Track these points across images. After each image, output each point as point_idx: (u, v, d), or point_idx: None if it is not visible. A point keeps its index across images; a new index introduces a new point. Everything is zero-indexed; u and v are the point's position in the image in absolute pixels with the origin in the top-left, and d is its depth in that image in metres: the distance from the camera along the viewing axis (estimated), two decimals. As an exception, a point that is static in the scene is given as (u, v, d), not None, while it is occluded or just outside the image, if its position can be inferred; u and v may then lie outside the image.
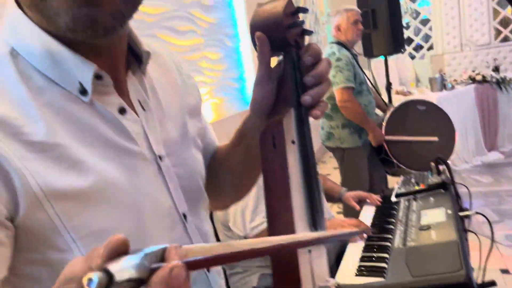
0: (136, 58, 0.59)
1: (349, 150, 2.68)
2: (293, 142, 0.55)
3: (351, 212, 2.44)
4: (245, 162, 0.70)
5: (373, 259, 1.28)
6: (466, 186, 1.77)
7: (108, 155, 0.51)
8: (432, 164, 1.83)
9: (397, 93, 5.01)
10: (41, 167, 0.45)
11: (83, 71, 0.49)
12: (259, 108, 0.61)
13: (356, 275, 1.22)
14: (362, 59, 3.80)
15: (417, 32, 7.40)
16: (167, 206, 0.57)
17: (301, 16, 0.59)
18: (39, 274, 0.47)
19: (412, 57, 7.27)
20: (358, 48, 3.13)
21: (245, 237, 1.64)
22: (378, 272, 1.19)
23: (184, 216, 0.59)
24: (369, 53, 3.76)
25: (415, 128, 2.72)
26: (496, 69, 5.53)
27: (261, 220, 1.61)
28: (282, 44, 0.57)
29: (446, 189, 1.69)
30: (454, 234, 1.28)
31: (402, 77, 6.59)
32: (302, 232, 0.51)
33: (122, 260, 0.26)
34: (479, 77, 5.14)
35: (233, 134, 0.70)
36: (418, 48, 7.42)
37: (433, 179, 1.78)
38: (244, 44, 3.17)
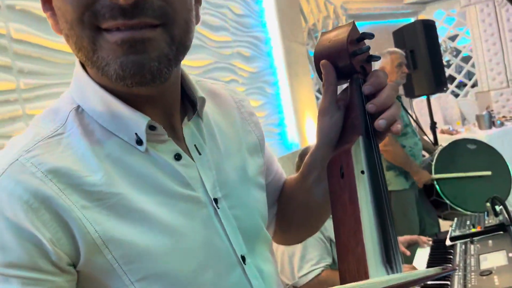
0: (192, 104, 0.60)
1: (396, 193, 2.59)
2: (362, 172, 0.52)
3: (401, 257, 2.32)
4: (316, 195, 0.68)
5: (431, 308, 1.19)
6: (528, 227, 1.64)
7: (164, 201, 0.52)
8: (488, 204, 1.72)
9: (443, 132, 4.87)
10: (100, 215, 0.48)
11: (138, 123, 0.52)
12: (326, 138, 0.60)
13: (413, 325, 1.14)
14: (403, 99, 3.77)
15: (459, 69, 7.28)
16: (224, 249, 0.56)
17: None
18: None
19: (456, 95, 7.10)
20: (399, 88, 3.11)
21: (294, 287, 1.60)
22: (438, 322, 1.11)
23: (243, 258, 0.57)
24: (411, 93, 3.71)
25: (466, 168, 2.61)
26: (549, 103, 5.28)
27: (309, 269, 1.56)
28: (348, 71, 0.57)
29: (505, 231, 1.58)
30: (520, 280, 1.18)
31: (447, 115, 6.42)
32: (375, 269, 0.47)
33: None
34: (530, 112, 4.91)
35: (302, 166, 0.69)
36: (461, 85, 7.26)
37: (490, 220, 1.67)
38: (283, 91, 3.24)
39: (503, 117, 5.35)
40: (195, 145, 0.58)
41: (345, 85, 0.61)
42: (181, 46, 0.51)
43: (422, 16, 7.11)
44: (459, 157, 2.64)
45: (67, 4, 0.46)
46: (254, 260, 0.59)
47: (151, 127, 0.52)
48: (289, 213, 0.74)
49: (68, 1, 0.46)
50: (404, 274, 0.42)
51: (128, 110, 0.52)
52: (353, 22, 0.58)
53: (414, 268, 1.47)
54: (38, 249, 0.45)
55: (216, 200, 0.57)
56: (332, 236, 1.66)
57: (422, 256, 1.69)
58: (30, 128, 0.52)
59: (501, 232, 1.58)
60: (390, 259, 0.47)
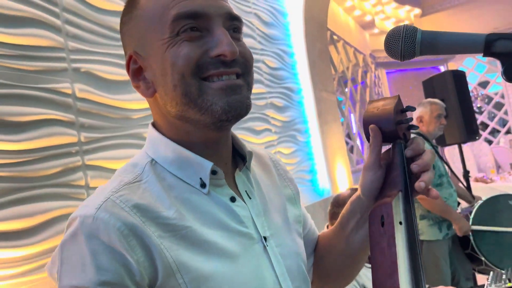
0: (241, 158, 0.72)
1: (429, 242, 2.57)
2: (400, 223, 0.60)
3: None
4: (354, 242, 0.75)
5: None
6: None
7: (224, 234, 0.62)
8: (524, 259, 1.71)
9: (477, 180, 4.79)
10: (173, 244, 0.57)
11: (202, 168, 0.63)
12: (368, 190, 0.68)
13: None
14: (435, 148, 3.78)
15: (492, 116, 7.20)
16: (272, 281, 0.64)
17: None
18: None
19: (489, 142, 6.99)
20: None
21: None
22: None
23: None
24: (442, 142, 3.72)
25: (506, 225, 2.54)
26: None
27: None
28: (392, 136, 0.67)
29: (543, 287, 1.56)
30: None
31: (481, 163, 6.31)
32: None
33: None
34: None
35: (340, 217, 0.77)
36: (495, 132, 7.16)
37: (527, 275, 1.65)
38: (314, 138, 3.32)
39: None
40: (246, 191, 0.69)
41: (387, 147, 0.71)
42: (251, 90, 0.66)
43: (452, 63, 7.17)
44: (499, 212, 2.58)
45: (179, 62, 0.59)
46: None
47: (213, 172, 0.63)
48: (327, 263, 0.81)
49: (180, 59, 0.59)
50: None
51: (194, 156, 0.63)
52: (398, 96, 0.69)
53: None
54: (126, 270, 0.53)
55: (265, 238, 0.66)
56: (366, 283, 1.68)
57: (457, 310, 1.68)
58: (114, 177, 0.64)
59: (539, 288, 1.56)
60: None
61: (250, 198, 0.68)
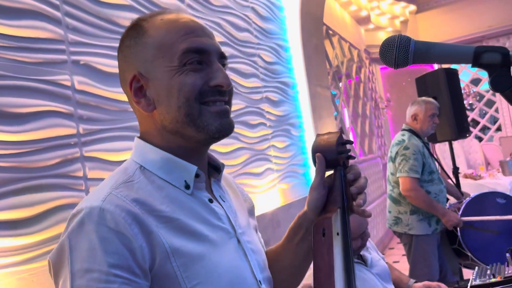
0: (214, 169, 0.84)
1: (418, 237, 2.63)
2: (337, 233, 0.74)
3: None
4: (299, 253, 0.86)
5: None
6: (547, 280, 1.68)
7: (207, 228, 0.72)
8: (508, 255, 1.77)
9: (466, 177, 4.87)
10: (168, 232, 0.66)
11: (188, 171, 0.74)
12: (314, 207, 0.80)
13: None
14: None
15: (483, 114, 7.30)
16: (247, 271, 0.74)
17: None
18: None
19: (480, 139, 7.09)
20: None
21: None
22: None
23: (260, 282, 0.76)
24: (433, 139, 3.78)
25: (493, 222, 2.61)
26: None
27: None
28: (334, 164, 0.81)
29: (526, 282, 1.62)
30: (537, 332, 1.23)
31: (470, 160, 6.40)
32: None
33: None
34: (556, 160, 4.89)
35: (288, 231, 0.88)
36: (486, 129, 7.26)
37: (510, 270, 1.71)
38: (308, 133, 3.36)
39: (528, 163, 5.32)
40: (219, 196, 0.81)
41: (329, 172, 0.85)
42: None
43: (445, 60, 7.24)
44: (486, 209, 2.65)
45: (186, 88, 0.71)
46: (267, 287, 0.78)
47: (196, 175, 0.75)
48: (273, 274, 0.90)
49: (187, 86, 0.71)
50: None
51: (181, 161, 0.75)
52: (341, 131, 0.84)
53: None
54: (132, 253, 0.61)
55: (238, 234, 0.77)
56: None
57: (443, 303, 1.74)
58: (107, 180, 0.72)
59: (521, 283, 1.62)
60: None
61: (224, 201, 0.80)
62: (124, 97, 1.64)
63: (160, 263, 0.63)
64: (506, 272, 1.71)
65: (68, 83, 1.45)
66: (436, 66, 7.10)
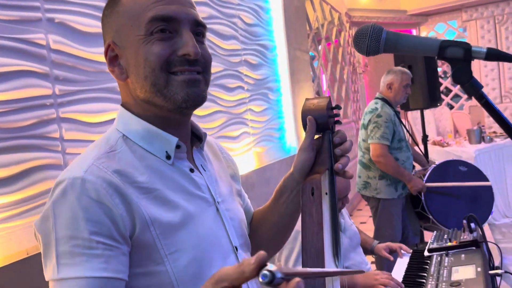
0: (197, 138, 0.85)
1: (384, 201, 2.77)
2: (326, 193, 0.77)
3: (382, 263, 2.52)
4: (286, 214, 0.89)
5: (404, 311, 1.37)
6: (497, 245, 1.83)
7: (187, 197, 0.75)
8: (465, 221, 1.90)
9: (435, 143, 5.05)
10: (147, 202, 0.69)
11: (169, 142, 0.75)
12: (301, 168, 0.82)
13: (388, 325, 1.32)
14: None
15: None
16: (223, 238, 0.78)
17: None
18: (139, 284, 0.67)
19: (451, 107, 7.29)
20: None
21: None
22: (409, 323, 1.28)
23: (236, 248, 0.80)
24: (406, 107, 3.88)
25: (455, 188, 2.76)
26: (538, 123, 5.48)
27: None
28: (324, 127, 0.83)
29: (478, 247, 1.75)
30: (482, 292, 1.36)
31: (440, 126, 6.61)
32: (328, 259, 0.71)
33: (265, 268, 0.41)
34: (519, 131, 5.11)
35: (275, 192, 0.90)
36: (457, 97, 7.45)
37: (465, 236, 1.85)
38: (285, 96, 3.39)
39: (493, 132, 5.55)
40: (201, 165, 0.83)
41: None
42: (208, 85, 0.78)
43: (424, 27, 7.27)
44: (449, 177, 2.79)
45: (151, 58, 0.71)
46: (243, 253, 0.82)
47: (177, 146, 0.76)
48: (260, 234, 0.95)
49: (153, 56, 0.71)
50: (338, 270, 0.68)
51: (162, 132, 0.76)
52: (330, 97, 0.85)
53: (392, 277, 1.63)
54: (112, 222, 0.64)
55: (218, 202, 0.80)
56: None
57: (402, 264, 1.87)
58: (90, 149, 0.74)
59: (474, 248, 1.75)
60: (337, 253, 0.73)
61: (204, 170, 0.82)
62: (101, 58, 1.61)
63: (140, 231, 0.66)
64: (461, 238, 1.85)
65: (43, 42, 1.42)
66: (415, 32, 7.13)
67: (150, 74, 0.72)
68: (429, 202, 2.74)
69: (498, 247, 1.80)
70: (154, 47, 0.71)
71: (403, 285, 1.58)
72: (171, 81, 0.72)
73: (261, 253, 0.44)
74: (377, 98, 2.93)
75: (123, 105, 0.80)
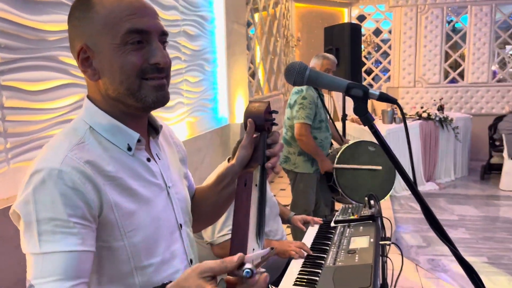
0: (153, 129, 0.97)
1: (301, 174, 3.07)
2: (256, 185, 0.94)
3: (297, 232, 2.84)
4: (223, 195, 1.08)
5: (309, 273, 1.65)
6: (389, 220, 2.19)
7: (144, 184, 0.87)
8: (366, 198, 2.24)
9: (353, 121, 5.50)
10: (112, 189, 0.81)
11: (131, 137, 0.87)
12: (241, 162, 0.98)
13: (294, 284, 1.58)
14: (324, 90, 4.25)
15: (377, 64, 8.02)
16: (171, 217, 0.94)
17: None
18: (102, 255, 0.81)
19: (371, 87, 7.86)
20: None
21: (211, 244, 1.99)
22: (311, 283, 1.56)
23: (180, 225, 0.97)
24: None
25: (362, 164, 3.14)
26: (441, 108, 6.17)
27: (227, 232, 1.96)
28: (260, 128, 0.99)
29: (374, 221, 2.09)
30: (371, 259, 1.67)
31: (359, 104, 7.12)
32: (252, 238, 0.88)
33: (245, 266, 0.61)
34: (425, 115, 5.74)
35: (217, 176, 1.07)
36: (377, 79, 8.02)
37: (365, 211, 2.18)
38: (220, 68, 3.50)
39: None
40: (156, 154, 0.95)
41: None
42: (169, 86, 0.90)
43: (355, 7, 7.63)
44: (359, 155, 3.15)
45: (127, 67, 0.81)
46: (186, 228, 1.00)
47: (138, 140, 0.88)
48: (201, 209, 1.13)
49: (129, 65, 0.81)
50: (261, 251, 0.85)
51: (126, 128, 0.87)
52: (269, 102, 1.00)
53: (303, 245, 1.90)
54: (86, 205, 0.77)
55: (169, 187, 0.95)
56: None
57: (311, 233, 2.16)
58: (61, 139, 0.83)
59: (371, 222, 2.08)
60: (259, 234, 0.89)
61: (159, 159, 0.95)
62: (44, 26, 1.63)
63: (106, 213, 0.79)
64: (362, 212, 2.18)
65: (-15, 8, 1.41)
66: (346, 11, 7.47)
67: (125, 80, 0.82)
68: (339, 177, 3.09)
69: (390, 222, 2.16)
70: (130, 57, 0.81)
71: (311, 252, 1.85)
72: (143, 85, 0.83)
73: (241, 254, 0.64)
74: None
75: (89, 98, 0.89)
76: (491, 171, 6.24)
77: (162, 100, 0.86)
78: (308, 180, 3.08)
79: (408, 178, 0.86)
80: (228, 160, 2.17)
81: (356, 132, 5.44)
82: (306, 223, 2.29)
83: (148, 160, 0.91)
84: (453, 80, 7.44)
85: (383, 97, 0.86)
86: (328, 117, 3.25)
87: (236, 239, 0.92)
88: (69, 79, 1.75)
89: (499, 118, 6.15)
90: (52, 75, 1.66)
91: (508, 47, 7.48)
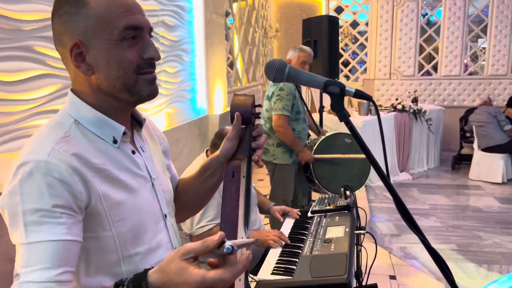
0: (137, 122, 0.99)
1: (280, 165, 3.12)
2: (243, 176, 0.95)
3: (275, 222, 2.89)
4: (206, 186, 1.10)
5: (286, 262, 1.70)
6: (364, 210, 2.26)
7: (129, 175, 0.89)
8: (342, 189, 2.30)
9: (330, 112, 5.57)
10: (99, 180, 0.82)
11: (117, 130, 0.89)
12: (226, 153, 1.00)
13: (272, 273, 1.63)
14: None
15: (354, 56, 8.12)
16: (156, 208, 0.96)
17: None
18: (89, 245, 0.83)
19: (348, 78, 7.96)
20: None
21: (190, 235, 2.01)
22: (288, 272, 1.60)
23: (165, 216, 0.99)
24: (308, 78, 4.24)
25: (339, 155, 3.21)
26: (415, 100, 6.32)
27: (205, 223, 1.98)
28: (247, 121, 1.00)
29: (349, 211, 2.16)
30: (346, 248, 1.73)
31: (336, 96, 7.22)
32: (241, 228, 0.90)
33: (226, 243, 0.64)
34: (399, 107, 5.87)
35: (200, 167, 1.09)
36: (354, 70, 8.13)
37: (341, 201, 2.24)
38: (199, 59, 3.49)
39: (380, 105, 6.27)
40: (140, 146, 0.97)
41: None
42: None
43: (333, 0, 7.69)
44: (336, 146, 3.21)
45: (125, 64, 0.84)
46: (170, 218, 1.02)
47: (123, 133, 0.90)
48: (184, 199, 1.15)
49: (126, 62, 0.84)
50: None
51: (112, 121, 0.89)
52: (254, 96, 1.01)
53: (281, 234, 1.95)
54: (73, 197, 0.78)
55: (153, 179, 0.97)
56: None
57: (289, 222, 2.21)
58: (46, 132, 0.84)
59: (346, 212, 2.15)
60: (247, 223, 0.93)
61: (143, 152, 0.97)
62: (19, 16, 1.60)
63: (94, 204, 0.80)
64: (338, 203, 2.24)
65: (-43, -4, 1.37)
66: (324, 3, 7.51)
67: (122, 75, 0.84)
68: (316, 169, 3.15)
69: (365, 212, 2.23)
70: (127, 54, 0.84)
71: (289, 241, 1.90)
72: (139, 80, 0.86)
73: (221, 233, 0.67)
74: None
75: (73, 91, 0.89)
76: (462, 162, 6.46)
77: (154, 93, 0.89)
78: (287, 171, 3.13)
79: (380, 170, 0.90)
80: (207, 152, 2.19)
81: (333, 123, 5.52)
82: (286, 214, 2.33)
83: (133, 152, 0.93)
84: (428, 73, 7.62)
85: (359, 94, 0.90)
86: (306, 108, 3.29)
87: (227, 229, 0.93)
88: (45, 70, 1.73)
89: (470, 110, 6.36)
90: (28, 66, 1.63)
91: (480, 40, 7.70)
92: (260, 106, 1.02)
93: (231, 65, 4.81)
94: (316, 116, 4.33)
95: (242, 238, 0.98)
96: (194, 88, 3.43)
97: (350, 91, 0.90)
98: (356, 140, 0.92)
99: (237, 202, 0.91)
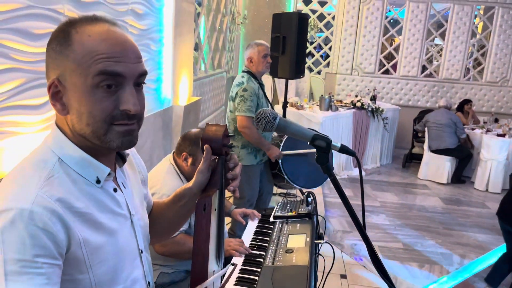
0: (120, 156, 0.98)
1: (245, 167, 3.15)
2: (215, 209, 0.98)
3: (235, 225, 2.94)
4: (179, 214, 1.13)
5: (249, 271, 1.74)
6: (324, 218, 2.34)
7: (110, 216, 0.89)
8: (305, 196, 2.37)
9: (292, 105, 5.65)
10: (81, 225, 0.81)
11: (102, 171, 0.88)
12: (198, 186, 1.03)
13: (235, 284, 1.67)
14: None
15: (318, 49, 8.21)
16: (133, 245, 0.97)
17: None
18: (64, 287, 0.81)
19: (311, 70, 8.06)
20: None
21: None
22: (251, 283, 1.65)
23: (141, 251, 1.00)
24: (274, 74, 4.27)
25: (303, 152, 3.31)
26: (374, 98, 6.53)
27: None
28: (218, 152, 1.02)
29: (310, 218, 2.22)
30: (307, 260, 1.80)
31: (299, 88, 7.32)
32: (212, 261, 0.94)
33: None
34: (359, 104, 6.05)
35: (174, 195, 1.11)
36: (318, 64, 8.23)
37: (303, 208, 2.31)
38: (167, 48, 3.41)
39: (339, 101, 6.43)
40: (122, 182, 0.97)
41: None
42: (140, 127, 0.90)
43: (302, -10, 7.68)
44: (301, 142, 3.29)
45: (96, 112, 0.80)
46: (145, 253, 1.03)
47: (108, 174, 0.89)
48: (157, 225, 1.17)
49: (98, 111, 0.80)
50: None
51: (97, 162, 0.88)
52: (226, 126, 1.02)
53: (242, 243, 1.97)
54: (55, 245, 0.77)
55: (132, 215, 0.97)
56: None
57: (251, 228, 2.25)
58: (29, 173, 0.81)
59: (307, 219, 2.21)
60: (219, 256, 0.96)
61: (125, 188, 0.97)
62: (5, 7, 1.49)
63: (73, 250, 0.80)
64: (300, 209, 2.31)
65: None
66: (292, 8, 7.48)
67: (92, 123, 0.81)
68: (284, 164, 3.23)
69: (324, 220, 2.31)
70: (99, 102, 0.80)
71: (250, 250, 1.94)
72: (110, 130, 0.83)
73: None
74: (243, 71, 3.18)
75: (58, 126, 0.87)
76: (412, 160, 6.80)
77: (127, 145, 0.86)
78: (252, 172, 3.17)
79: (358, 222, 0.95)
80: (173, 154, 2.16)
81: (295, 117, 5.60)
82: (246, 216, 2.36)
83: (115, 190, 0.92)
84: (387, 71, 7.86)
85: (344, 150, 0.94)
86: (270, 106, 3.33)
87: (197, 263, 0.97)
88: (9, 64, 1.63)
89: (425, 111, 6.66)
90: (6, 76, 1.53)
91: (437, 43, 8.02)
92: (232, 136, 1.04)
93: (197, 51, 4.72)
94: (278, 108, 4.38)
95: (213, 271, 1.01)
96: (160, 78, 3.35)
97: (335, 145, 0.94)
98: (337, 190, 0.96)
99: (207, 235, 0.94)
